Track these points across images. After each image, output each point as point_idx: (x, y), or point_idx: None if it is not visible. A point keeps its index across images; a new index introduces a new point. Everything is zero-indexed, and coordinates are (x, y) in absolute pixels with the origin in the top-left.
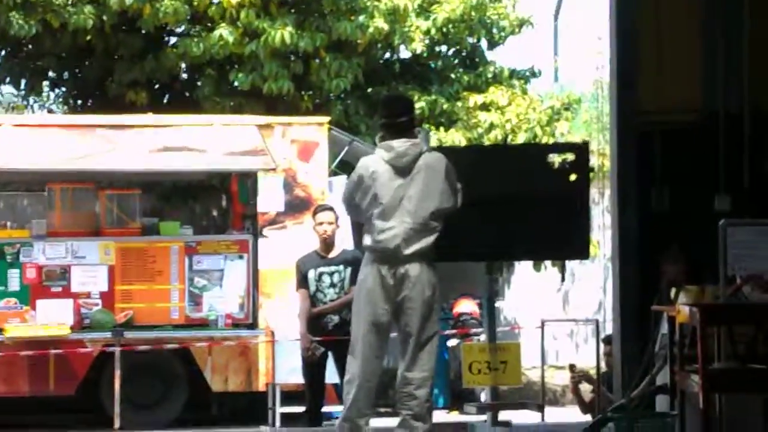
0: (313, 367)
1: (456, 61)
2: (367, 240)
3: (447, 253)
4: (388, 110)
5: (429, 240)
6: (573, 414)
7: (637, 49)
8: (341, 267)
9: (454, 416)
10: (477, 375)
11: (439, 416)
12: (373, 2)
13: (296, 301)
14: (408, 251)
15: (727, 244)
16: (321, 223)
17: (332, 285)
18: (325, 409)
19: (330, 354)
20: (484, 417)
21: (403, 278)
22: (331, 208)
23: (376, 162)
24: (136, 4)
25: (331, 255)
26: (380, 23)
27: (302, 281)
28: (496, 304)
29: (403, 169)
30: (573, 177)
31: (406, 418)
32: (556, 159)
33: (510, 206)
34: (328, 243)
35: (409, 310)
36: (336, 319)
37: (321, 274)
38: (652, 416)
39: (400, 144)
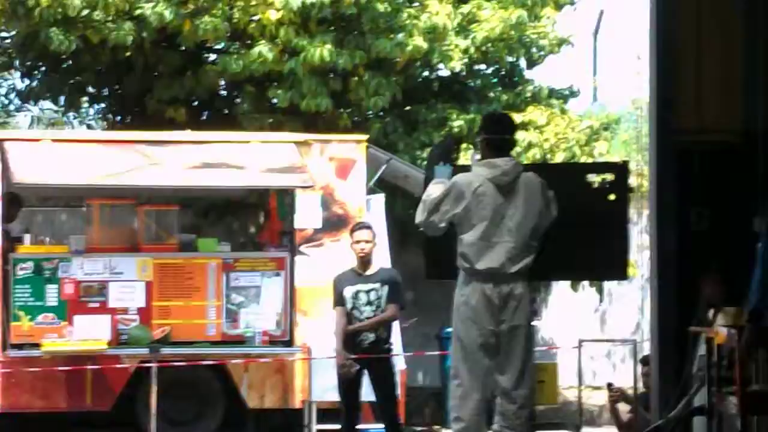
0: (348, 385)
1: (495, 80)
2: (465, 260)
3: None
4: (494, 127)
5: (530, 259)
6: None
7: (676, 69)
8: (378, 285)
9: None
10: None
11: None
12: (412, 20)
13: (333, 318)
14: (512, 270)
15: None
16: (358, 242)
17: (369, 303)
18: (360, 426)
19: (366, 372)
20: None
21: (509, 297)
22: (369, 227)
23: (477, 179)
24: (175, 21)
25: (368, 273)
26: (419, 41)
27: (339, 299)
28: (534, 324)
29: (505, 188)
30: (612, 197)
31: None
32: (595, 179)
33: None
34: (365, 261)
35: (515, 329)
36: (372, 336)
37: (357, 292)
38: None
39: (504, 162)
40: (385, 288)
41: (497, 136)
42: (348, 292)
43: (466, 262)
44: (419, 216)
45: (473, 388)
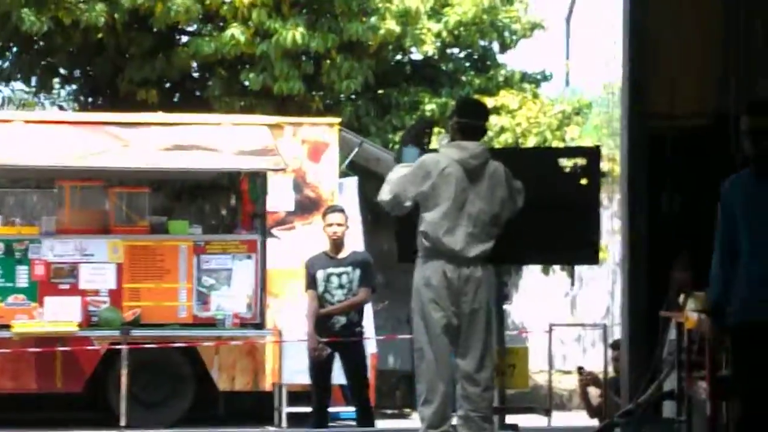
0: (320, 368)
1: (467, 63)
2: (427, 238)
3: None
4: (467, 112)
5: (489, 245)
6: (580, 418)
7: (649, 53)
8: (350, 268)
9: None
10: None
11: None
12: (384, 4)
13: (304, 301)
14: (471, 254)
15: None
16: (331, 225)
17: (341, 286)
18: (331, 409)
19: (337, 355)
20: None
21: (468, 280)
22: (341, 210)
23: (445, 159)
24: (147, 3)
25: (341, 256)
26: (392, 25)
27: (311, 282)
28: (504, 308)
29: (471, 171)
30: (584, 181)
31: (474, 419)
32: (567, 163)
33: (520, 210)
34: (337, 244)
35: (475, 312)
36: (343, 320)
37: (329, 275)
38: (660, 422)
39: (474, 146)
40: (357, 271)
41: (471, 121)
42: (320, 275)
43: (427, 241)
44: (384, 194)
45: (440, 370)
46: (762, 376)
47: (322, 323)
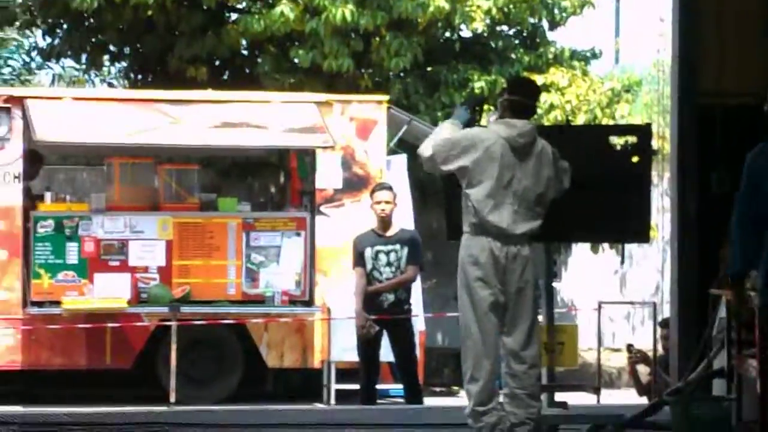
0: (368, 345)
1: (516, 41)
2: (474, 214)
3: None
4: (518, 90)
5: (535, 224)
6: (629, 396)
7: (699, 30)
8: (398, 246)
9: None
10: None
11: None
12: None
13: (353, 279)
14: (518, 231)
15: None
16: (379, 202)
17: (389, 264)
18: (379, 386)
19: (385, 332)
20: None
21: (516, 257)
22: (389, 187)
23: (492, 135)
24: None
25: (389, 234)
26: (441, 2)
27: (359, 259)
28: (554, 286)
29: (518, 149)
30: (635, 159)
31: (521, 396)
32: (618, 141)
33: (570, 188)
34: (385, 222)
35: (522, 290)
36: (392, 297)
37: (378, 253)
38: (709, 400)
39: (522, 124)
40: (405, 249)
41: (521, 98)
42: (368, 252)
43: (474, 217)
44: (425, 149)
45: (487, 348)
46: None
47: (370, 301)
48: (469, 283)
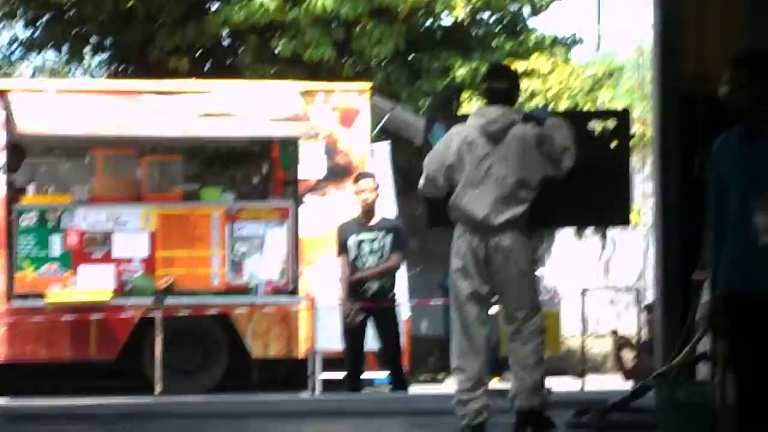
0: (353, 333)
1: (498, 28)
2: (455, 210)
3: None
4: (491, 77)
5: (518, 210)
6: (613, 381)
7: (680, 15)
8: (381, 234)
9: (495, 383)
10: None
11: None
12: None
13: (337, 267)
14: (497, 221)
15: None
16: (362, 191)
17: (372, 252)
18: (365, 375)
19: (370, 320)
20: None
21: (496, 249)
22: (372, 176)
23: (468, 128)
24: None
25: (372, 222)
26: None
27: (342, 248)
28: (537, 272)
29: (492, 136)
30: (614, 144)
31: (517, 372)
32: (597, 126)
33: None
34: (368, 210)
35: (506, 282)
36: (375, 286)
37: (361, 242)
38: (693, 384)
39: (494, 111)
40: (389, 237)
41: (493, 84)
42: (351, 241)
43: (453, 212)
44: (420, 182)
45: (469, 337)
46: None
47: (354, 289)
48: (452, 274)
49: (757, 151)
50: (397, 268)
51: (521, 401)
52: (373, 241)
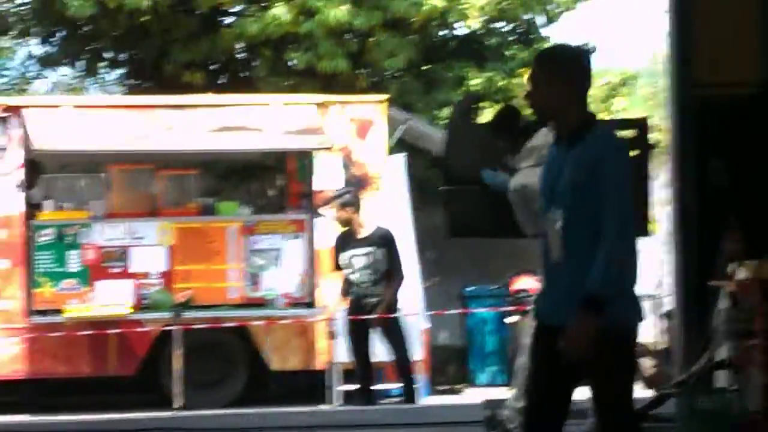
0: (356, 346)
1: (512, 37)
2: None
3: (505, 230)
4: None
5: None
6: (634, 390)
7: (695, 22)
8: (373, 248)
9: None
10: None
11: (500, 393)
12: None
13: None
14: None
15: None
16: (334, 213)
17: (365, 267)
18: (381, 386)
19: (375, 332)
20: None
21: None
22: (338, 196)
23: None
24: None
25: (361, 235)
26: (436, 1)
27: (338, 265)
28: None
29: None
30: (633, 153)
31: None
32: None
33: None
34: (351, 227)
35: None
36: (375, 299)
37: (352, 257)
38: (713, 392)
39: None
40: (381, 250)
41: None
42: (344, 257)
43: None
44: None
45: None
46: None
47: (354, 304)
48: None
49: (557, 160)
50: (398, 288)
51: None
52: (364, 255)
